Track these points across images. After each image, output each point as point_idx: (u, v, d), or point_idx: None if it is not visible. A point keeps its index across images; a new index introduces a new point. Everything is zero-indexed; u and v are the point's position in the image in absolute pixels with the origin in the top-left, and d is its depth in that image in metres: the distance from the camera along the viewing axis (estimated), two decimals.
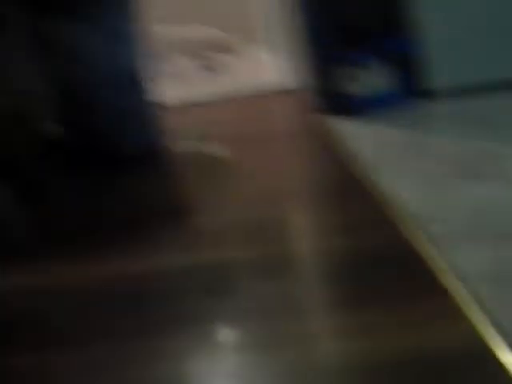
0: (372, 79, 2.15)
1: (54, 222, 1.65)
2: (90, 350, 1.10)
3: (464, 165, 1.63)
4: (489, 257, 1.19)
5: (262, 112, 2.42)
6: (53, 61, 1.99)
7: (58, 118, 2.05)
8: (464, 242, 1.25)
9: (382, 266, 1.24)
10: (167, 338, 1.11)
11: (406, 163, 1.69)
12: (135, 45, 2.08)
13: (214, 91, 2.75)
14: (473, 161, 1.64)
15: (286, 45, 2.57)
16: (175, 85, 3.03)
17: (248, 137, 2.14)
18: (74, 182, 1.92)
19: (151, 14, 2.24)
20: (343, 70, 2.13)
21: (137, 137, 2.05)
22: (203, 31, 3.26)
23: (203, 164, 1.98)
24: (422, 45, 2.15)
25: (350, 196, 1.58)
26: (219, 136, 2.18)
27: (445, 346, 0.98)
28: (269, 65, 2.94)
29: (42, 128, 2.09)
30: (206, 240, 1.45)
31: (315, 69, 2.24)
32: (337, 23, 2.33)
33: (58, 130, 2.05)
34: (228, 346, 1.11)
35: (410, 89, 2.19)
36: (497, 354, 0.94)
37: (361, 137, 1.94)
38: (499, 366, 0.91)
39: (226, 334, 1.14)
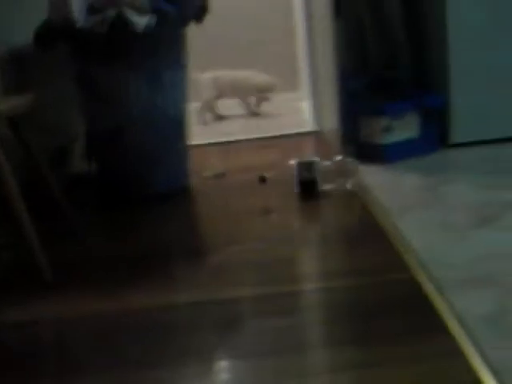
0: (404, 130, 2.22)
1: (79, 256, 1.74)
2: (104, 378, 1.18)
3: (482, 213, 1.69)
4: (489, 302, 1.25)
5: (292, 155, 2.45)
6: (96, 102, 2.09)
7: (94, 157, 2.16)
8: (468, 288, 1.32)
9: (390, 305, 1.31)
10: (174, 369, 1.18)
11: (428, 211, 1.76)
12: (181, 91, 2.18)
13: (255, 134, 2.87)
14: (492, 209, 1.70)
15: (324, 94, 2.68)
16: (220, 126, 3.16)
17: (272, 180, 2.19)
18: (101, 218, 2.03)
19: (197, 61, 2.33)
20: (378, 120, 2.20)
21: (168, 177, 2.14)
22: (249, 76, 3.37)
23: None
24: (451, 100, 2.27)
25: (369, 240, 1.66)
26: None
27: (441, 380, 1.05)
28: (307, 111, 3.03)
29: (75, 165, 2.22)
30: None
31: (350, 117, 2.33)
32: (374, 76, 2.43)
33: (90, 167, 2.17)
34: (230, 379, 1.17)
35: (439, 140, 2.30)
36: None
37: (387, 184, 2.02)
38: None
39: (228, 369, 1.21)
